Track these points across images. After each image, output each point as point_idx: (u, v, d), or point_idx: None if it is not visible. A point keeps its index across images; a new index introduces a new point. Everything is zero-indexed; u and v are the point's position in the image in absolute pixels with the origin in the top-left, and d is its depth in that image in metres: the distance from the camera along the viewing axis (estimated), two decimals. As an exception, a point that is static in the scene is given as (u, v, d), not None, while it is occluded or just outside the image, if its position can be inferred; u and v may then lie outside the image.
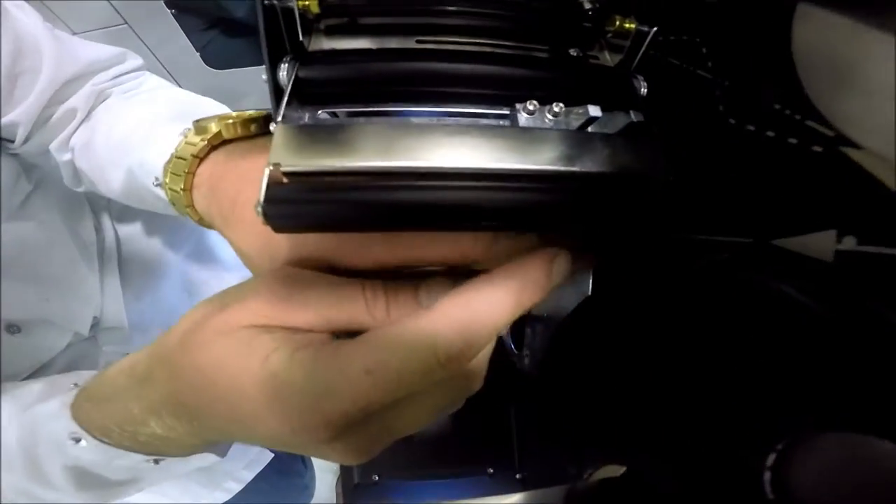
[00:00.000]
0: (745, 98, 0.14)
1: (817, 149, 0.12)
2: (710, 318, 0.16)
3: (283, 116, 0.19)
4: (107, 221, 0.52)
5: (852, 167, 0.11)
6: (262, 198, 0.15)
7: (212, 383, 0.19)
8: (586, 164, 0.14)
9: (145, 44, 0.86)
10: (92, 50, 0.42)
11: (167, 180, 0.31)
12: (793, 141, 0.12)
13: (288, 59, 0.21)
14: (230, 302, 0.20)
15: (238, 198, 0.26)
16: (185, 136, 0.31)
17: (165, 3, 0.88)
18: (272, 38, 0.21)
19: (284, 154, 0.16)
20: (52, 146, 0.40)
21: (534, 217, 0.14)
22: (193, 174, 0.30)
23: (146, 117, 0.38)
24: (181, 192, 0.30)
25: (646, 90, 0.17)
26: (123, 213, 0.54)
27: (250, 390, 0.18)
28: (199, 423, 0.22)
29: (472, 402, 0.20)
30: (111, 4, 0.82)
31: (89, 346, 0.50)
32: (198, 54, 0.94)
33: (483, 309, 0.17)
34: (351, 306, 0.19)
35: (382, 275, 0.20)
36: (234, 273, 0.58)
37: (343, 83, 0.20)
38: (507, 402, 0.45)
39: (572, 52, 0.19)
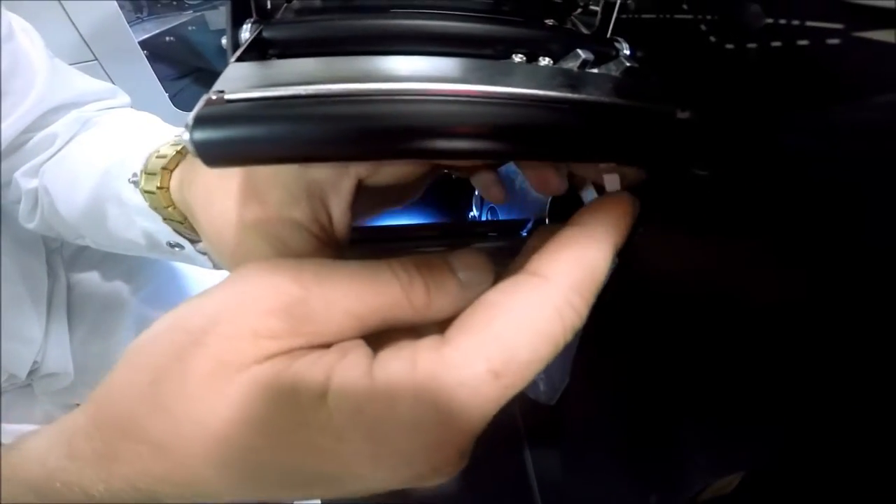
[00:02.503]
0: (734, 23, 0.14)
1: (834, 41, 0.11)
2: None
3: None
4: (59, 267, 0.52)
5: (880, 45, 0.10)
6: (191, 120, 0.13)
7: (265, 449, 0.13)
8: (591, 93, 0.12)
9: (114, 82, 0.85)
10: (86, 82, 0.43)
11: (145, 170, 0.30)
12: (804, 42, 0.12)
13: (251, 20, 0.20)
14: (205, 325, 0.13)
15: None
16: (174, 140, 0.31)
17: (140, 43, 0.90)
18: (238, 3, 0.20)
19: (231, 83, 0.14)
20: (19, 172, 0.40)
21: (540, 142, 0.12)
22: (172, 170, 0.29)
23: (137, 126, 0.39)
24: (159, 173, 0.29)
25: (629, 51, 0.16)
26: (76, 257, 0.54)
27: (333, 447, 0.12)
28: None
29: (476, 453, 0.15)
30: (82, 39, 0.82)
31: (22, 396, 0.47)
32: (166, 94, 0.94)
33: (593, 261, 0.13)
34: (385, 296, 0.14)
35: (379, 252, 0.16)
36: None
37: (310, 43, 0.19)
38: (519, 446, 0.39)
39: (548, 21, 0.18)
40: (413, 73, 0.13)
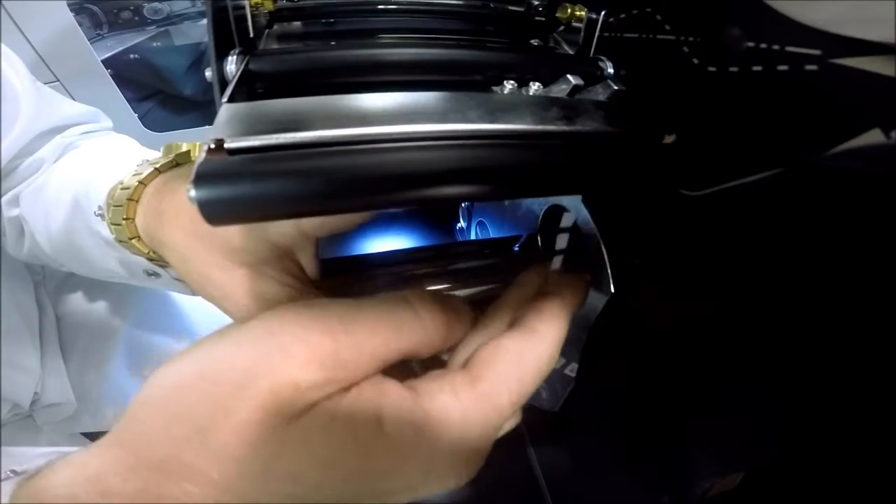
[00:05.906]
0: (716, 46, 0.14)
1: (812, 68, 0.12)
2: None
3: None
4: (44, 299, 0.51)
5: (854, 72, 0.11)
6: (193, 175, 0.12)
7: (332, 482, 0.15)
8: (585, 124, 0.13)
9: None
10: (69, 106, 0.42)
11: (111, 202, 0.30)
12: (783, 68, 0.12)
13: (236, 52, 0.20)
14: (243, 379, 0.14)
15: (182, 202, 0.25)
16: (135, 170, 0.31)
17: (103, 62, 0.86)
18: (220, 34, 0.20)
19: (228, 129, 0.14)
20: (4, 200, 0.39)
21: (533, 180, 0.12)
22: (136, 201, 0.29)
23: (103, 156, 0.39)
24: (125, 204, 0.29)
25: (612, 70, 0.17)
26: (61, 288, 0.53)
27: (397, 469, 0.15)
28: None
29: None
30: (40, 57, 0.78)
31: (25, 427, 0.47)
32: (136, 115, 0.91)
33: (566, 322, 0.19)
34: (409, 339, 0.16)
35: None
36: (183, 340, 0.56)
37: (297, 75, 0.19)
38: (521, 446, 0.40)
39: (533, 42, 0.19)
40: (416, 112, 0.13)
